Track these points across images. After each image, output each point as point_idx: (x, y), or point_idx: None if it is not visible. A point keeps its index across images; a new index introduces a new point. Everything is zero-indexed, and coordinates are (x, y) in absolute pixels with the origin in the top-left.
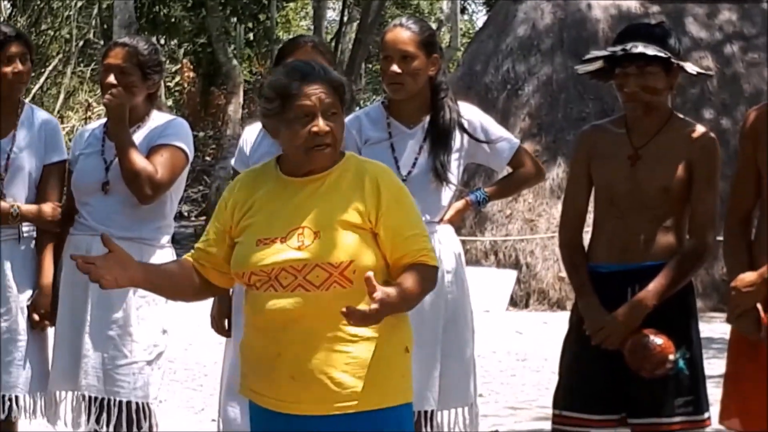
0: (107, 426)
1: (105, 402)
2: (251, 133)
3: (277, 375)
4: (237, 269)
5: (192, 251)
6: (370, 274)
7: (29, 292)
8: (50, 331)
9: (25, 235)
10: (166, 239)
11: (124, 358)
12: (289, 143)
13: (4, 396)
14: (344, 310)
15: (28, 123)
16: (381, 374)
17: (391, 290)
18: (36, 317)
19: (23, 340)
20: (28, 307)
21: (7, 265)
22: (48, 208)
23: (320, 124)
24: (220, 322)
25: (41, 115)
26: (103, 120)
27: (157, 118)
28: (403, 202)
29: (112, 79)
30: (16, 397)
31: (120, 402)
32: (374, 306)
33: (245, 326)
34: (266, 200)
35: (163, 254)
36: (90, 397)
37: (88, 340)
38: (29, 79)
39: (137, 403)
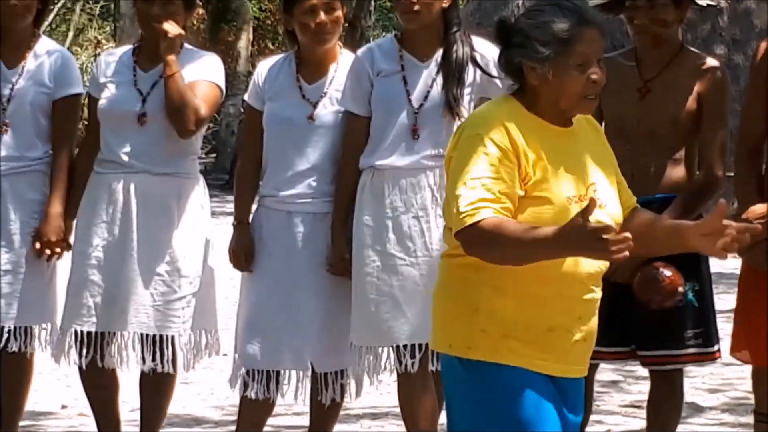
0: (161, 362)
1: (157, 338)
2: (265, 67)
3: (571, 338)
4: None
5: (494, 206)
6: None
7: (32, 224)
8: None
9: (28, 169)
10: (197, 171)
11: (173, 293)
12: (560, 91)
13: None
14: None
15: (39, 55)
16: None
17: None
18: (38, 246)
19: (23, 272)
20: (32, 236)
21: (8, 198)
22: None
23: (598, 71)
24: (240, 256)
25: (54, 48)
26: (126, 48)
27: (188, 51)
28: None
29: (158, 8)
30: (25, 328)
31: (172, 337)
32: None
33: (513, 288)
34: (549, 151)
35: (199, 189)
36: (143, 335)
37: (134, 279)
38: (27, 13)
39: (184, 336)
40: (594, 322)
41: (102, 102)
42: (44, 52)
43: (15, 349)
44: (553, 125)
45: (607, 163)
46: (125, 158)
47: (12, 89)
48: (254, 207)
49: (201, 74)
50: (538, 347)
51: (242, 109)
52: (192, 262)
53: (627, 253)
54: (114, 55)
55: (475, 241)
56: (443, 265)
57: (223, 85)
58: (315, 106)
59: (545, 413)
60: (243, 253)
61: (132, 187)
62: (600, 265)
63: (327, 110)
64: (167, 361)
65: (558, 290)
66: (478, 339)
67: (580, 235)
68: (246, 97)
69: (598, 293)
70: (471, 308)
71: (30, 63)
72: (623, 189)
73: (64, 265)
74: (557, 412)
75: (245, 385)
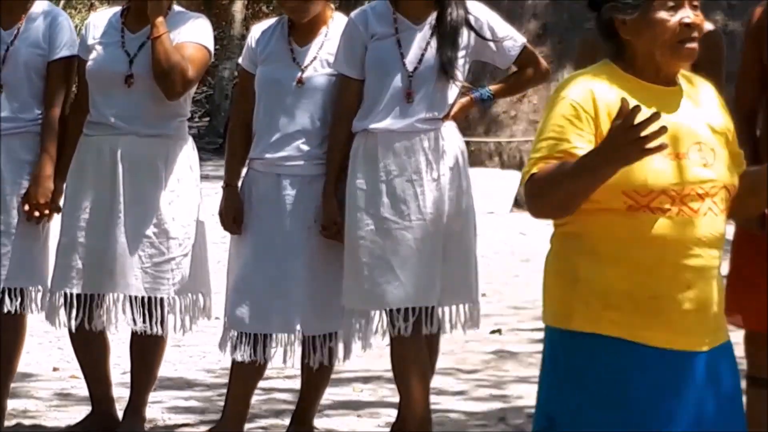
0: (150, 324)
1: (146, 300)
2: (259, 30)
3: (679, 307)
4: (639, 188)
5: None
6: None
7: (26, 185)
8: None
9: (23, 130)
10: (186, 133)
11: (162, 255)
12: (652, 40)
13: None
14: None
15: (35, 17)
16: (721, 307)
17: None
18: (26, 208)
19: (16, 234)
20: (21, 198)
21: (3, 159)
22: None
23: (691, 14)
24: (229, 218)
25: (51, 10)
26: (115, 9)
27: (176, 13)
28: None
29: None
30: (20, 290)
31: (161, 299)
32: None
33: (612, 253)
34: (646, 110)
35: (188, 150)
36: (132, 297)
37: (123, 241)
38: None
39: (173, 298)
40: (710, 289)
41: (89, 63)
42: (40, 14)
43: (10, 310)
44: (655, 85)
45: (720, 126)
46: (113, 120)
47: (7, 50)
48: (245, 170)
49: (189, 36)
50: (642, 317)
51: (236, 73)
52: (181, 223)
53: (661, 143)
54: (103, 17)
55: (532, 194)
56: (553, 234)
57: (211, 47)
58: (305, 69)
59: (643, 391)
60: (232, 216)
61: (120, 149)
62: (712, 231)
63: (317, 73)
64: (156, 322)
65: (660, 256)
66: (578, 310)
67: (613, 136)
68: (240, 60)
69: (710, 260)
70: (571, 278)
71: (25, 24)
72: (738, 161)
73: (56, 227)
74: (670, 388)
75: (235, 348)
